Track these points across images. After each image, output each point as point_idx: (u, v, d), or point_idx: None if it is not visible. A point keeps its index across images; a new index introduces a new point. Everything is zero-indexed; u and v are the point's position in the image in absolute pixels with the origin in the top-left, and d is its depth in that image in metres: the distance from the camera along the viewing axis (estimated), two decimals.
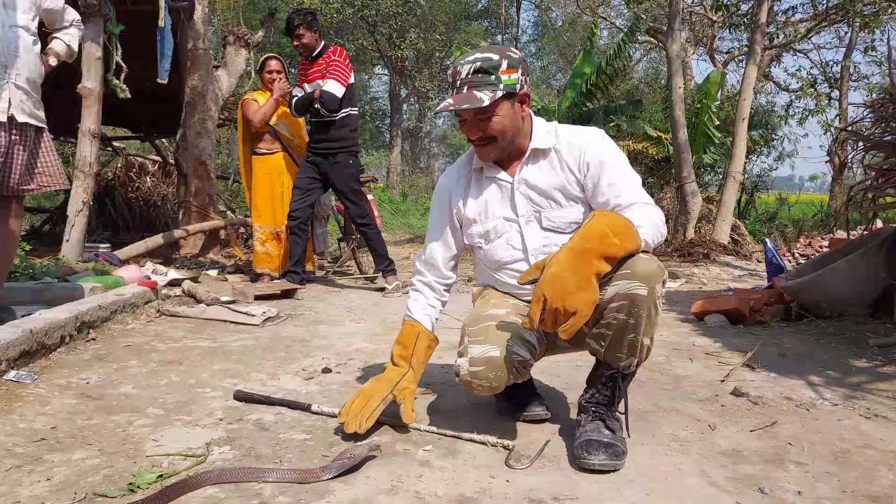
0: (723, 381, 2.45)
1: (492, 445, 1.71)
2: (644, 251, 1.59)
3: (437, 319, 2.00)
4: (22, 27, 2.58)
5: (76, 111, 4.47)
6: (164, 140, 9.79)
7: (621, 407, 1.75)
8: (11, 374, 2.12)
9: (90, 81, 4.36)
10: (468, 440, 1.74)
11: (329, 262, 5.95)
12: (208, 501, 1.37)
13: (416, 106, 26.80)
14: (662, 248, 7.90)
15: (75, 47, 2.95)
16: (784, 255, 6.66)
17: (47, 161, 2.74)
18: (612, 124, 8.97)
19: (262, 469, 1.51)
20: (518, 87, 1.74)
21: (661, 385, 2.40)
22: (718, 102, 10.25)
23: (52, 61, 2.82)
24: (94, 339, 2.72)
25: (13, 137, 2.56)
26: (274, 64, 4.69)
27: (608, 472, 1.58)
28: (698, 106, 9.07)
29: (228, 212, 8.32)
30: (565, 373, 2.49)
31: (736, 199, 8.88)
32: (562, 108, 9.13)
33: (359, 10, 18.98)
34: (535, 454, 1.65)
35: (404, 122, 25.02)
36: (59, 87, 5.87)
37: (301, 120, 4.82)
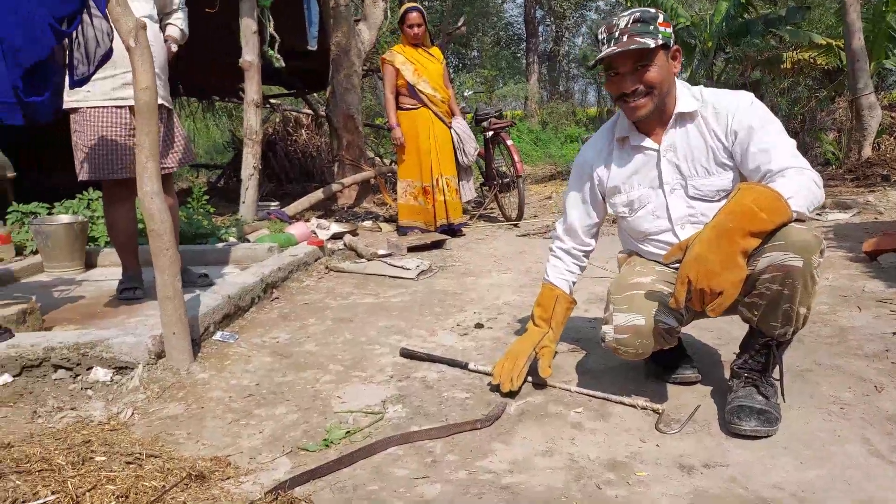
0: None
1: (641, 408, 1.79)
2: (799, 220, 1.54)
3: (573, 283, 2.10)
4: (148, 17, 2.73)
5: (228, 77, 4.89)
6: (314, 94, 10.36)
7: (776, 373, 1.74)
8: (218, 335, 2.52)
9: (249, 55, 4.73)
10: (618, 402, 1.84)
11: (472, 208, 6.12)
12: (388, 458, 1.60)
13: (553, 27, 25.79)
14: (833, 171, 7.20)
15: (186, 30, 3.10)
16: None
17: (180, 138, 2.96)
18: (773, 37, 8.05)
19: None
20: (671, 41, 1.76)
21: (822, 338, 2.30)
22: None
23: (174, 47, 3.01)
24: (277, 299, 3.11)
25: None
26: (414, 16, 4.69)
27: (760, 437, 1.60)
28: (884, 6, 7.79)
29: (377, 158, 8.74)
30: (717, 326, 2.46)
31: None
32: (714, 22, 8.37)
33: None
34: (685, 419, 1.71)
35: (541, 45, 24.21)
36: (216, 60, 6.53)
37: (440, 70, 4.82)
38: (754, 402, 1.65)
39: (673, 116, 1.81)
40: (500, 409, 1.82)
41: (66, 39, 2.24)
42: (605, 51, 1.73)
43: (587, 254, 2.12)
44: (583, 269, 2.13)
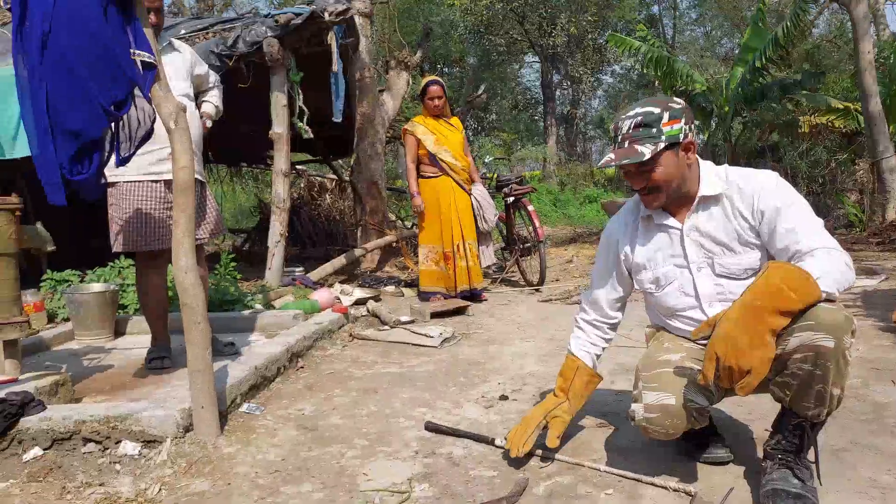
0: None
1: (673, 490, 1.75)
2: (829, 300, 1.55)
3: (598, 356, 2.10)
4: (185, 95, 2.91)
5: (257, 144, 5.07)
6: (339, 160, 10.64)
7: (811, 455, 1.70)
8: (244, 406, 2.53)
9: (279, 127, 4.92)
10: (649, 484, 1.80)
11: (494, 272, 6.15)
12: None
13: (570, 91, 26.41)
14: (857, 234, 7.15)
15: (221, 107, 3.28)
16: None
17: (213, 210, 3.09)
18: (789, 101, 8.14)
19: None
20: (682, 136, 1.75)
21: (857, 415, 2.25)
22: None
23: (208, 123, 3.17)
24: (302, 368, 3.12)
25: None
26: (435, 89, 4.86)
27: None
28: None
29: (398, 221, 8.88)
30: (749, 401, 2.40)
31: None
32: (730, 88, 8.51)
33: (508, 3, 19.09)
34: (718, 502, 1.67)
35: (558, 108, 24.76)
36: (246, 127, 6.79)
37: (460, 140, 4.95)
38: (790, 486, 1.62)
39: (697, 199, 1.83)
40: (522, 486, 1.80)
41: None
42: (607, 156, 1.80)
43: (613, 326, 2.12)
44: (608, 341, 2.13)
